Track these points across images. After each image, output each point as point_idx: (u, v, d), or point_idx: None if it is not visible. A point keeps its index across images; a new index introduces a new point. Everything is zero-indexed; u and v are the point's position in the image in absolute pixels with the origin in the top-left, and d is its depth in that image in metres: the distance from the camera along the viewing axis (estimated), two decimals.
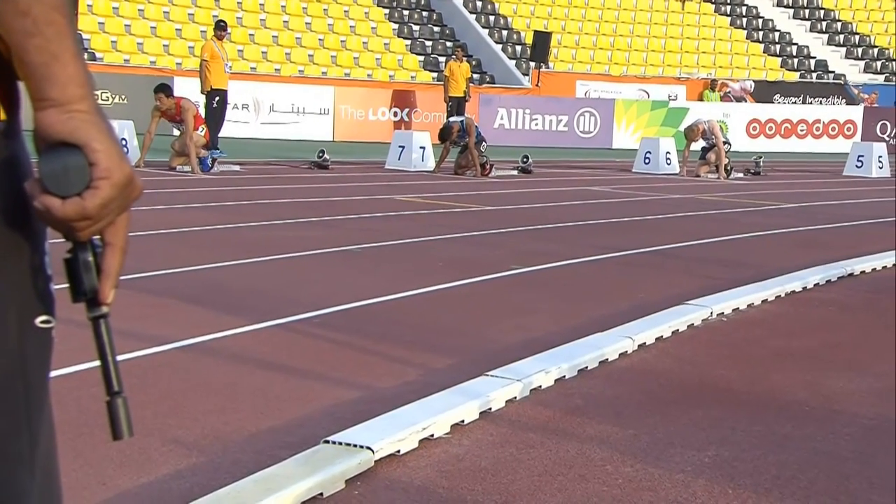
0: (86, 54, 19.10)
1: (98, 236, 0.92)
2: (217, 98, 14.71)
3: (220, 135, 14.78)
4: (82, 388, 3.30)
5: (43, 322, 0.94)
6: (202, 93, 14.83)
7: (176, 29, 21.41)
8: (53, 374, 3.35)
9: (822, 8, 30.21)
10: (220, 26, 14.91)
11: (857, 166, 15.79)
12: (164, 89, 12.38)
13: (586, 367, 3.80)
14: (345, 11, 23.70)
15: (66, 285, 0.93)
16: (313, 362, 3.78)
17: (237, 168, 12.47)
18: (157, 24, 21.30)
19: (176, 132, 11.78)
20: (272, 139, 18.48)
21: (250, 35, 21.60)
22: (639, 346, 4.16)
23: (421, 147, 13.94)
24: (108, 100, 17.79)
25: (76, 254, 0.92)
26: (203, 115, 11.97)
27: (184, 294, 4.87)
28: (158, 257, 5.83)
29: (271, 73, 20.72)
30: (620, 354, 4.03)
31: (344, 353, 3.96)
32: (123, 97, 17.72)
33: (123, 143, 12.29)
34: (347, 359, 3.86)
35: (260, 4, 22.91)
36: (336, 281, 5.44)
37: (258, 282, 5.30)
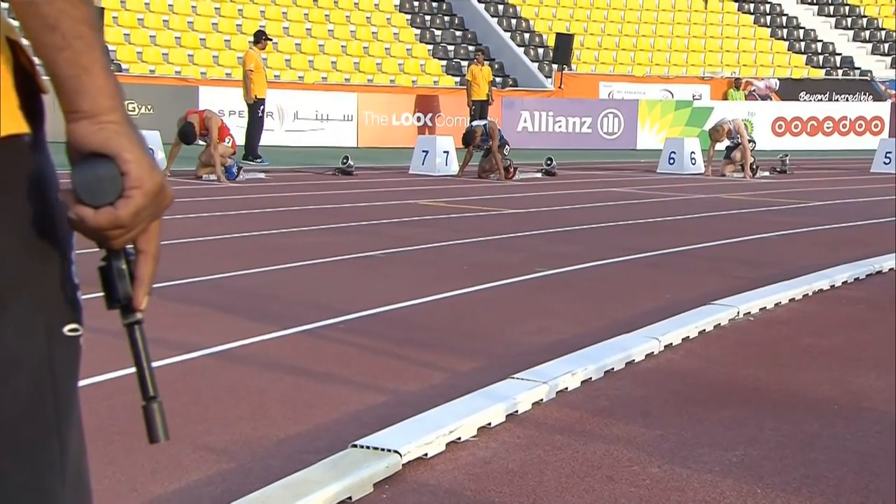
0: (112, 65, 19.43)
1: (131, 245, 0.95)
2: (262, 107, 14.87)
3: (250, 143, 14.92)
4: (114, 396, 3.34)
5: (71, 331, 0.97)
6: (247, 102, 15.00)
7: (200, 39, 21.59)
8: (85, 381, 3.39)
9: (846, 4, 29.95)
10: (263, 36, 15.06)
11: (884, 163, 15.64)
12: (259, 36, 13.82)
13: (612, 369, 3.80)
14: (367, 18, 23.80)
15: (100, 294, 0.96)
16: (340, 367, 3.80)
17: (262, 176, 12.56)
18: (182, 34, 21.49)
19: (202, 143, 11.87)
20: (296, 146, 18.58)
21: (274, 43, 21.70)
22: (665, 346, 4.15)
23: (444, 151, 13.96)
24: (134, 110, 17.96)
25: (110, 262, 0.94)
26: (228, 127, 12.06)
27: (212, 302, 4.92)
28: (186, 265, 5.88)
29: (295, 81, 20.84)
30: (647, 355, 4.02)
31: (370, 357, 3.98)
32: (150, 107, 17.88)
33: (151, 153, 12.38)
34: (374, 363, 3.88)
35: (283, 13, 23.06)
36: (361, 286, 5.47)
37: (284, 288, 5.34)
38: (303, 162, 15.01)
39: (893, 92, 25.75)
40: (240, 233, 7.41)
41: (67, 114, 0.92)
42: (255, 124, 14.96)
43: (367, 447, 2.75)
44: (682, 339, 4.29)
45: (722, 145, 14.47)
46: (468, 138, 13.21)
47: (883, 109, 23.80)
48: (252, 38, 15.55)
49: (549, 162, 13.91)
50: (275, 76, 20.10)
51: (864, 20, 29.37)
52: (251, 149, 14.88)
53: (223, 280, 5.55)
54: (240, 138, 14.23)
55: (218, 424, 3.11)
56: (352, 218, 8.49)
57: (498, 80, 22.18)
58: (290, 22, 22.90)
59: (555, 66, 23.12)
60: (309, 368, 3.78)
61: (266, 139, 16.04)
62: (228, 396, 3.41)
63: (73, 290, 0.98)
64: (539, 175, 13.67)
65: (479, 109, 18.50)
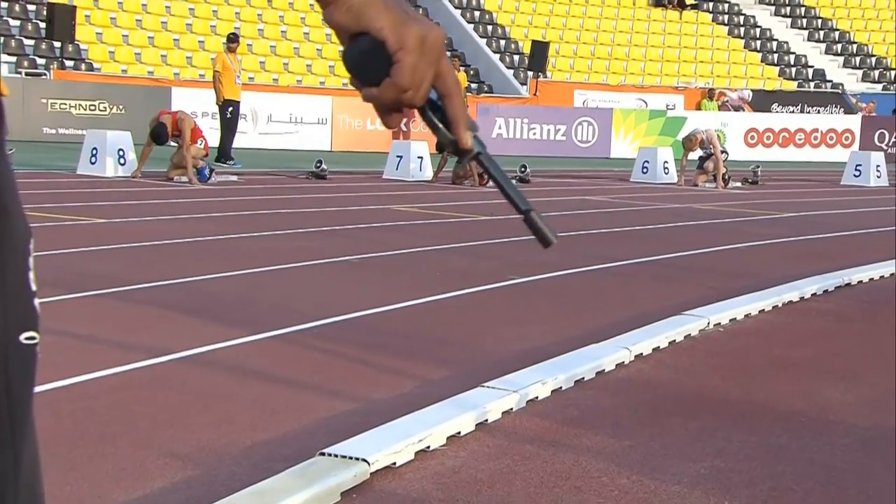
0: (83, 65, 19.30)
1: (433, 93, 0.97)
2: (230, 108, 14.86)
3: (222, 145, 14.88)
4: (77, 401, 3.30)
5: (28, 339, 0.95)
6: (217, 104, 15.02)
7: (174, 39, 21.47)
8: (49, 386, 3.34)
9: (819, 17, 30.31)
10: (232, 38, 15.11)
11: (854, 175, 15.82)
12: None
13: (583, 378, 3.81)
14: None
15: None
16: (310, 374, 3.78)
17: (234, 178, 12.48)
18: (155, 34, 21.35)
19: (174, 144, 11.79)
20: (270, 149, 18.50)
21: (248, 45, 21.64)
22: (636, 356, 4.16)
23: (419, 157, 13.96)
24: (105, 110, 17.83)
25: (425, 114, 0.97)
26: (200, 128, 12.00)
27: (181, 305, 4.88)
28: (156, 268, 5.83)
29: (269, 83, 20.77)
30: (617, 365, 4.03)
31: (340, 364, 3.96)
32: (121, 107, 17.75)
33: (121, 154, 12.31)
34: (344, 370, 3.86)
35: (258, 14, 22.98)
36: (333, 291, 5.44)
37: (255, 292, 5.31)
38: (276, 165, 14.95)
39: (864, 105, 26.06)
40: (211, 236, 7.36)
41: (322, 9, 0.96)
42: (225, 126, 14.93)
43: (335, 455, 2.73)
44: (653, 350, 4.30)
45: (695, 155, 14.58)
46: (442, 143, 13.22)
47: (853, 122, 24.09)
48: (225, 40, 15.52)
49: (523, 169, 13.94)
50: (249, 78, 20.00)
51: (836, 34, 29.73)
52: (224, 151, 14.82)
53: (193, 283, 5.50)
54: (213, 140, 14.15)
55: (184, 430, 3.08)
56: (325, 222, 8.46)
57: (473, 86, 22.22)
58: (265, 24, 22.82)
59: (530, 74, 23.21)
60: (278, 374, 3.75)
61: (239, 141, 15.97)
62: (196, 402, 3.37)
63: (29, 297, 0.96)
64: (513, 182, 13.68)
65: None
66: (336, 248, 6.95)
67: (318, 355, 4.08)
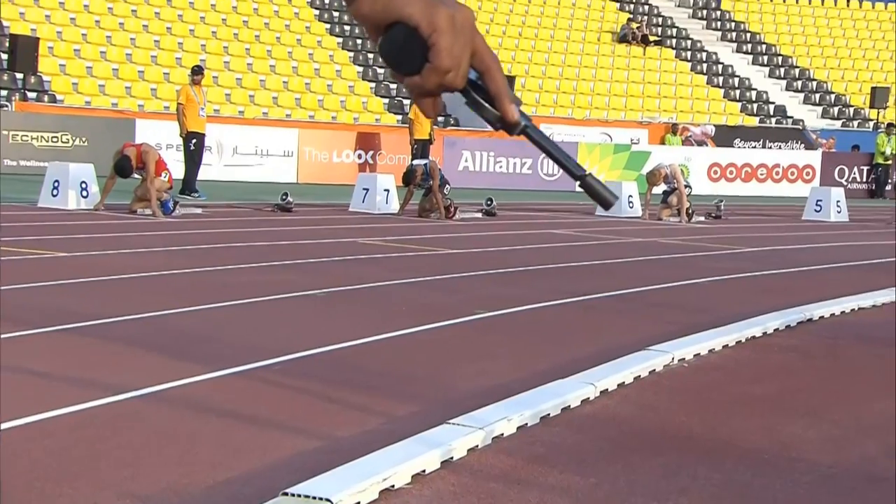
0: (46, 96, 19.12)
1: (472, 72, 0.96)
2: (194, 141, 14.85)
3: (186, 177, 14.82)
4: (35, 440, 3.24)
5: None
6: (180, 136, 15.01)
7: (139, 71, 21.40)
8: (6, 425, 3.27)
9: (780, 54, 30.91)
10: (196, 71, 15.14)
11: (815, 211, 16.05)
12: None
13: (548, 415, 3.81)
14: (309, 54, 23.84)
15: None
16: (274, 411, 3.75)
17: (199, 211, 12.41)
18: (120, 65, 21.27)
19: (138, 177, 11.71)
20: (235, 181, 18.44)
21: (214, 77, 21.62)
22: (601, 392, 4.17)
23: (385, 190, 13.97)
24: (68, 142, 17.70)
25: (469, 96, 0.97)
26: (165, 161, 11.95)
27: (144, 341, 4.83)
28: (118, 303, 5.77)
29: (235, 116, 20.74)
30: (583, 401, 4.03)
31: (305, 400, 3.93)
32: (84, 139, 17.63)
33: (83, 186, 12.20)
34: (308, 407, 3.84)
35: (224, 47, 22.99)
36: (298, 326, 5.41)
37: (219, 328, 5.27)
38: (241, 197, 14.89)
39: (824, 141, 26.52)
40: (174, 270, 7.30)
41: (348, 5, 0.95)
42: (190, 158, 14.89)
43: (299, 495, 2.71)
44: (618, 385, 4.32)
45: (659, 189, 14.73)
46: (409, 177, 13.25)
47: (814, 158, 24.48)
48: (190, 72, 15.53)
49: (489, 202, 14.00)
50: (214, 110, 19.97)
51: (797, 71, 30.31)
52: (188, 183, 14.75)
53: (155, 319, 5.45)
54: (177, 172, 14.08)
55: (145, 470, 3.04)
56: (290, 256, 8.42)
57: (440, 119, 22.34)
58: (232, 56, 22.83)
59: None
60: (241, 412, 3.72)
61: (204, 174, 15.91)
62: (157, 440, 3.33)
63: None
64: (479, 215, 13.74)
65: (421, 148, 18.59)
66: (301, 282, 6.92)
67: (283, 392, 4.05)
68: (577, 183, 1.00)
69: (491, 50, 0.97)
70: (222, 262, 7.82)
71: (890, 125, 24.82)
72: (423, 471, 3.10)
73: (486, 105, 0.96)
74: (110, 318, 5.28)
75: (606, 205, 0.99)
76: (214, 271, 7.36)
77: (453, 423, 3.48)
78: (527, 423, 3.67)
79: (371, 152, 20.45)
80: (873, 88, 27.30)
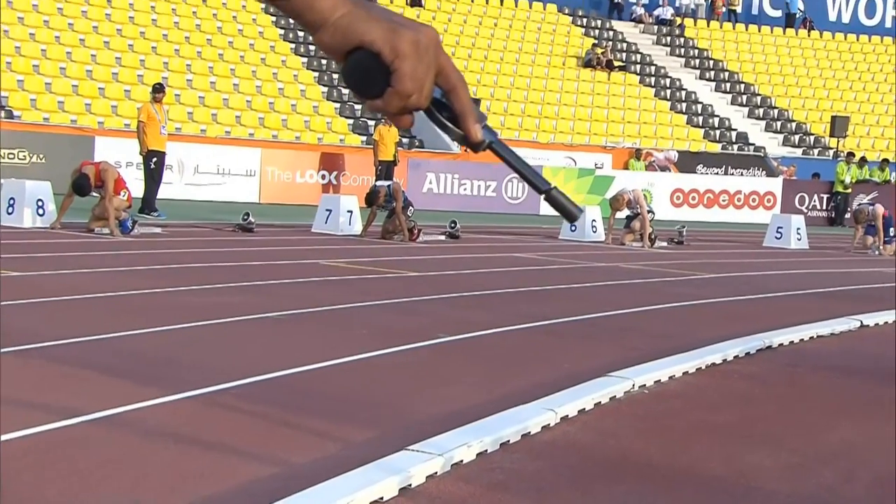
0: (2, 112, 18.85)
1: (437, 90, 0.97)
2: (154, 159, 14.74)
3: (146, 196, 14.70)
4: None
5: None
6: (140, 154, 14.89)
7: (99, 88, 21.22)
8: None
9: (742, 82, 31.37)
10: (157, 89, 15.06)
11: (776, 237, 16.25)
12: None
13: (508, 441, 3.80)
14: (273, 73, 23.79)
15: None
16: (230, 436, 3.71)
17: (158, 230, 12.30)
18: (80, 82, 21.08)
19: (96, 195, 11.58)
20: (196, 201, 18.31)
21: (176, 95, 21.51)
22: (561, 418, 4.17)
23: (348, 211, 13.95)
24: (25, 159, 17.48)
25: (432, 116, 0.98)
26: (124, 179, 11.85)
27: (97, 363, 4.76)
28: (72, 324, 5.69)
29: (197, 134, 20.62)
30: (543, 427, 4.03)
31: (262, 425, 3.89)
32: (42, 156, 17.43)
33: (40, 204, 12.05)
34: (265, 432, 3.80)
35: (186, 65, 22.88)
36: (256, 349, 5.37)
37: (176, 350, 5.21)
38: (202, 217, 14.79)
39: (785, 168, 26.91)
40: (131, 290, 7.22)
41: (311, 33, 0.96)
42: (150, 177, 14.79)
43: None
44: (579, 412, 4.32)
45: (622, 214, 14.84)
46: (372, 198, 13.24)
47: (775, 185, 24.82)
48: (151, 90, 15.45)
49: (453, 224, 14.02)
50: (176, 129, 19.85)
51: (759, 98, 30.77)
52: (148, 202, 14.64)
53: (110, 341, 5.37)
54: (137, 191, 13.96)
55: (97, 497, 2.98)
56: (250, 277, 8.37)
57: (405, 140, 22.38)
58: (195, 75, 22.72)
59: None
60: (197, 437, 3.67)
61: (165, 192, 15.79)
62: (109, 467, 3.27)
63: None
64: (443, 237, 13.76)
65: (385, 170, 18.60)
66: (261, 303, 6.87)
67: (240, 416, 4.01)
68: (543, 196, 1.01)
69: (457, 69, 0.98)
70: (181, 282, 7.75)
71: (850, 154, 25.28)
72: (381, 498, 3.07)
73: (450, 124, 0.97)
74: (63, 339, 5.20)
75: (572, 218, 1.01)
76: (172, 292, 7.29)
77: (412, 450, 3.46)
78: (487, 450, 3.66)
79: (335, 173, 20.41)
80: (833, 117, 27.78)
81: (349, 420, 4.03)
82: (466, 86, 0.99)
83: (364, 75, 0.94)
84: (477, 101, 23.32)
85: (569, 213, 1.00)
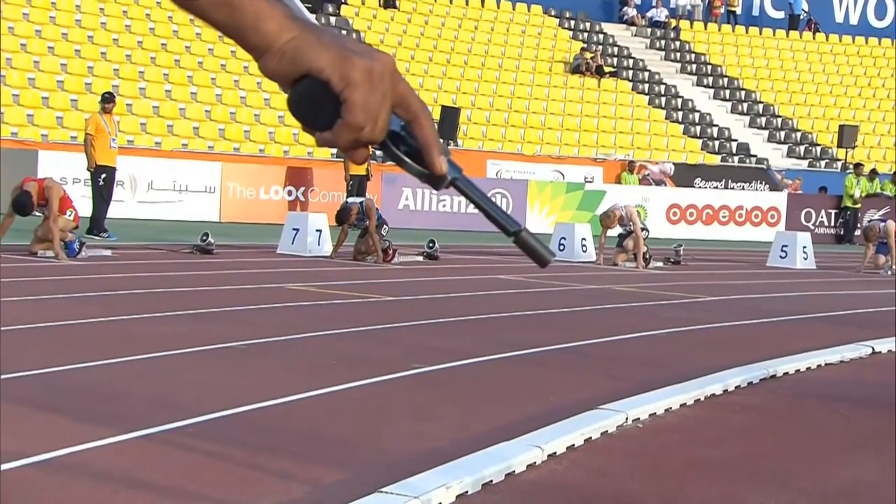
0: None
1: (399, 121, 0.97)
2: (104, 175, 14.70)
3: (95, 215, 14.64)
4: None
5: None
6: (88, 170, 14.85)
7: (42, 97, 21.15)
8: None
9: (743, 89, 31.62)
10: (107, 98, 15.01)
11: (780, 257, 16.36)
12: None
13: (491, 481, 3.80)
14: (234, 81, 23.81)
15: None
16: (186, 479, 3.69)
17: (108, 253, 12.25)
18: (21, 91, 21.02)
19: (39, 215, 11.52)
20: (150, 220, 18.26)
21: (128, 105, 21.48)
22: (548, 456, 4.18)
23: (317, 230, 13.95)
24: None
25: (387, 149, 0.97)
26: (71, 198, 11.80)
27: (40, 400, 4.72)
28: (13, 357, 5.65)
29: (150, 147, 20.58)
30: (528, 466, 4.04)
31: (222, 467, 3.88)
32: None
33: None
34: (225, 474, 3.78)
35: (139, 72, 22.86)
36: (216, 383, 5.35)
37: (127, 385, 5.18)
38: (156, 238, 14.74)
39: (790, 182, 27.11)
40: (78, 319, 7.18)
41: (255, 58, 0.95)
42: (98, 195, 14.75)
43: None
44: (567, 448, 4.33)
45: (614, 232, 14.91)
46: (343, 216, 13.25)
47: (779, 200, 24.99)
48: (100, 99, 15.43)
49: (431, 244, 14.05)
50: (128, 141, 19.81)
51: (761, 106, 31.02)
52: (96, 222, 14.58)
53: (54, 375, 5.34)
54: (85, 210, 13.91)
55: None
56: (209, 303, 8.35)
57: (378, 153, 22.38)
58: (148, 83, 22.70)
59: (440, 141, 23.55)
60: (150, 480, 3.65)
61: (115, 211, 15.72)
62: None
63: None
64: (420, 258, 13.77)
65: (357, 185, 18.62)
66: (221, 332, 6.86)
67: (198, 457, 3.99)
68: (512, 239, 1.02)
69: (418, 97, 0.99)
70: (132, 310, 7.72)
71: (858, 165, 25.34)
72: None
73: (408, 159, 0.97)
74: (2, 374, 5.16)
75: (543, 263, 1.01)
76: (123, 321, 7.26)
77: (386, 492, 3.45)
78: (467, 491, 3.66)
79: (302, 189, 20.42)
80: (841, 126, 28.05)
81: (317, 460, 4.02)
82: (430, 116, 1.00)
83: (312, 106, 0.94)
84: (456, 112, 23.39)
85: (540, 257, 1.01)
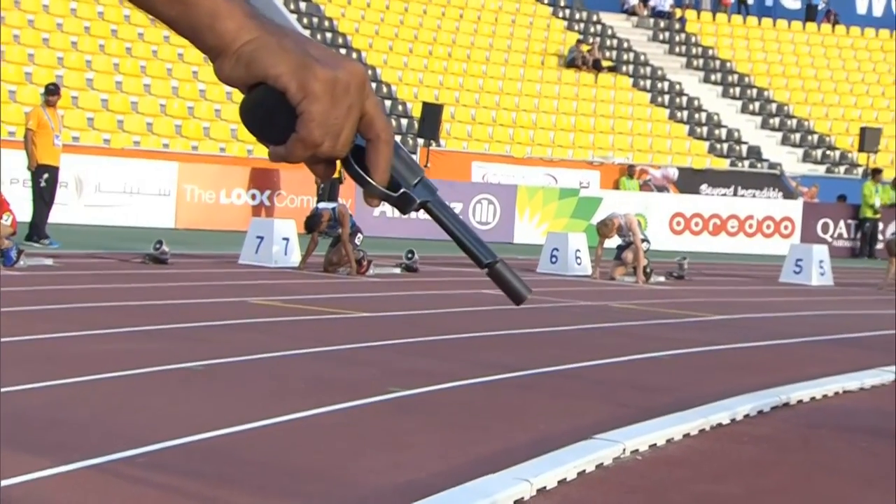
0: None
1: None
2: (46, 175, 14.66)
3: (35, 220, 14.59)
4: None
5: None
6: (29, 169, 14.80)
7: (9, 91, 21.08)
8: None
9: (755, 86, 31.80)
10: (50, 90, 14.96)
11: (794, 272, 16.45)
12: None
13: None
14: (193, 72, 23.79)
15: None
16: None
17: (49, 262, 12.21)
18: None
19: None
20: (97, 226, 18.21)
21: (73, 98, 21.42)
22: (538, 490, 4.20)
23: (284, 238, 13.95)
24: None
25: (350, 167, 0.97)
26: (7, 200, 11.76)
27: None
28: None
29: (99, 145, 20.53)
30: (516, 501, 4.06)
31: (176, 501, 3.87)
32: None
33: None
34: None
35: (86, 61, 22.82)
36: (170, 408, 5.34)
37: (70, 410, 5.17)
38: (104, 246, 14.70)
39: (806, 189, 27.24)
40: (14, 336, 7.14)
41: (211, 59, 0.95)
42: (39, 197, 14.70)
43: None
44: (558, 482, 4.35)
45: (612, 243, 14.97)
46: (313, 223, 13.26)
47: (794, 209, 25.12)
48: (43, 91, 15.39)
49: (409, 255, 14.07)
50: (73, 138, 19.75)
51: (774, 105, 31.20)
52: (37, 228, 14.53)
53: None
54: (24, 215, 13.86)
55: None
56: (163, 319, 8.34)
57: None
58: (96, 73, 22.66)
59: (420, 141, 23.60)
60: None
61: (58, 216, 15.67)
62: None
63: None
64: (398, 270, 13.78)
65: (329, 189, 18.63)
66: (176, 351, 6.85)
67: (148, 490, 3.99)
68: (486, 272, 1.02)
69: (386, 119, 0.99)
70: (76, 326, 7.69)
71: (876, 171, 25.22)
72: None
73: (371, 180, 0.98)
74: None
75: (519, 299, 1.02)
76: (66, 338, 7.24)
77: None
78: None
79: (267, 192, 20.40)
80: (862, 129, 28.22)
81: (283, 494, 4.03)
82: (391, 140, 0.99)
83: (265, 116, 0.94)
84: (439, 109, 23.44)
85: (516, 293, 1.02)
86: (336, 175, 5.49)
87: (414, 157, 18.14)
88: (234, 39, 0.94)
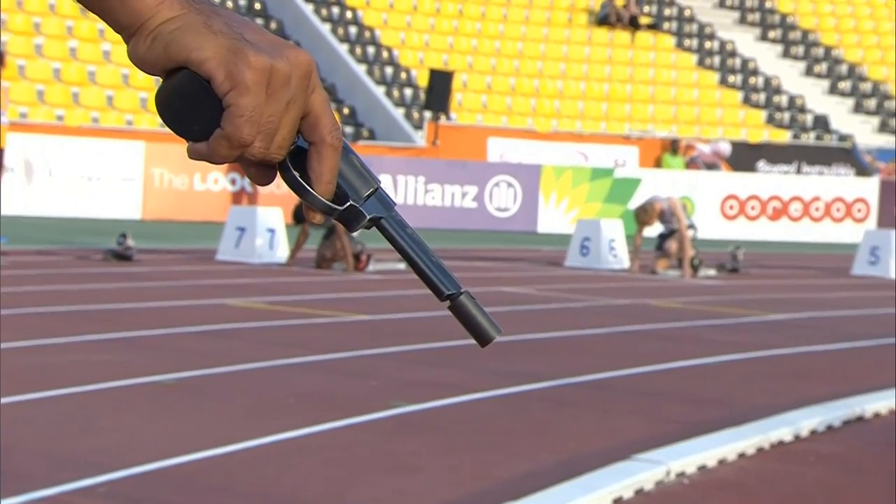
0: None
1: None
2: None
3: None
4: None
5: None
6: None
7: None
8: None
9: (820, 45, 31.63)
10: None
11: (870, 262, 16.38)
12: None
13: None
14: None
15: None
16: None
17: None
18: None
19: None
20: (51, 217, 18.26)
21: (20, 67, 21.47)
22: None
23: (269, 230, 13.96)
24: None
25: (286, 173, 0.96)
26: None
27: None
28: None
29: (51, 123, 20.58)
30: None
31: None
32: None
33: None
34: None
35: (35, 24, 22.86)
36: (136, 429, 5.37)
37: (18, 432, 5.18)
38: (59, 240, 14.75)
39: (883, 165, 27.12)
40: None
41: (125, 38, 0.93)
42: None
43: None
44: None
45: (653, 231, 14.94)
46: (303, 212, 13.26)
47: (868, 188, 25.02)
48: None
49: None
50: (20, 114, 19.80)
51: (844, 67, 31.05)
52: None
53: None
54: None
55: None
56: (128, 326, 8.36)
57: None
58: (47, 38, 22.70)
59: (427, 114, 23.58)
60: None
61: (3, 206, 15.70)
62: None
63: None
64: (401, 266, 13.79)
65: None
66: (142, 363, 6.87)
67: None
68: (447, 305, 1.00)
69: (331, 115, 0.96)
70: (26, 334, 7.72)
71: None
72: None
73: (312, 190, 0.97)
74: None
75: (484, 340, 0.98)
76: (15, 349, 7.26)
77: None
78: None
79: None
80: None
81: None
82: (339, 144, 0.96)
83: (185, 108, 0.92)
84: (449, 77, 23.42)
85: (481, 332, 0.97)
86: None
87: (418, 134, 18.08)
88: (153, 17, 0.92)
